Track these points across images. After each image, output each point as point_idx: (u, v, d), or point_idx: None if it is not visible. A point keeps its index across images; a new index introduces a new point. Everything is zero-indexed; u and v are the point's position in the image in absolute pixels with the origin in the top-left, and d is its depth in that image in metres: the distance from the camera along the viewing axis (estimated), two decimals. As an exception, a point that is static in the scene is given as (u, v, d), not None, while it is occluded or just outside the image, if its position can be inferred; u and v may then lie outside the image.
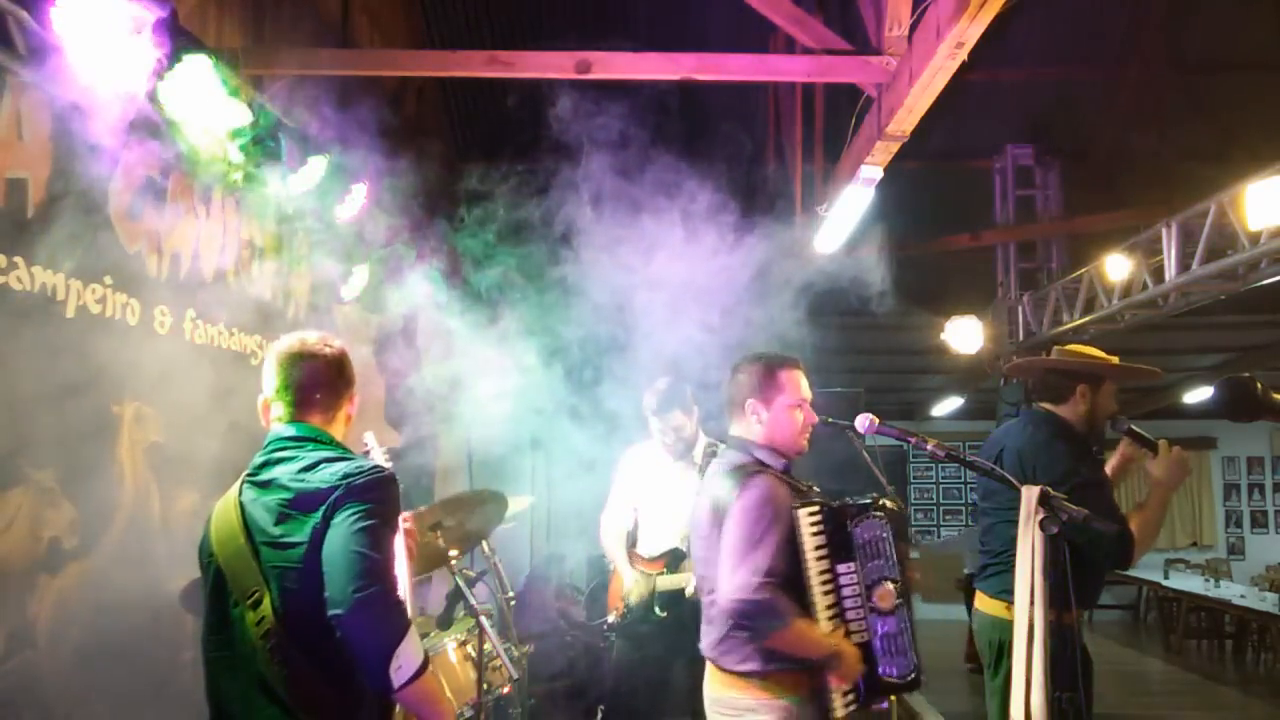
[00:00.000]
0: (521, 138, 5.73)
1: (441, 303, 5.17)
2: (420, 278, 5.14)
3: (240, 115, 3.48)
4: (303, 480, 2.00)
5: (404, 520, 2.42)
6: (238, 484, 2.10)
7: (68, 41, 2.79)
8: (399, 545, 2.36)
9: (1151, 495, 3.11)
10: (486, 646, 3.76)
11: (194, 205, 3.80)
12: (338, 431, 2.19)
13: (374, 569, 1.88)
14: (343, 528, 1.91)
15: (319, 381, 2.14)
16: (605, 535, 4.39)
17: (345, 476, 1.98)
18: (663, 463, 4.28)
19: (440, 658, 3.92)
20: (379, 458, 2.52)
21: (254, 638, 1.92)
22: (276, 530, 1.97)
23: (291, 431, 2.11)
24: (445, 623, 3.99)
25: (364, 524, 1.92)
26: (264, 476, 2.05)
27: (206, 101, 3.34)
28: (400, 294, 5.22)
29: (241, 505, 2.04)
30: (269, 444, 2.12)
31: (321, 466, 2.01)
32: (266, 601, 1.92)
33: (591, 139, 4.62)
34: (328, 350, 2.18)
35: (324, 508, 1.94)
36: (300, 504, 1.97)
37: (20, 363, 2.84)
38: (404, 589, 2.33)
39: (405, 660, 1.84)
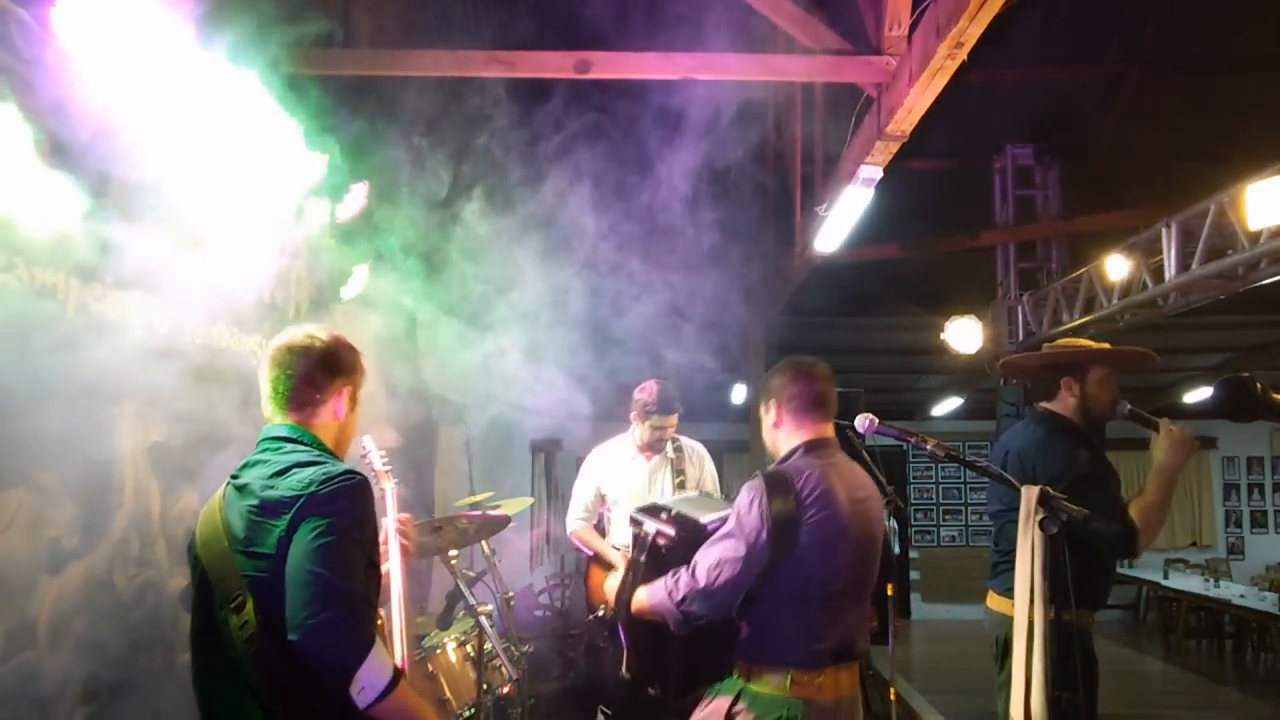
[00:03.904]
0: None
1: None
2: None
3: (240, 113, 3.48)
4: (270, 487, 1.95)
5: (399, 520, 2.41)
6: (224, 484, 2.08)
7: (68, 41, 2.79)
8: (393, 545, 2.35)
9: (1151, 478, 3.08)
10: (486, 646, 3.76)
11: (194, 204, 3.79)
12: (326, 427, 2.13)
13: (328, 592, 1.82)
14: (302, 544, 1.86)
15: (297, 376, 2.09)
16: (579, 531, 4.56)
17: (309, 485, 1.92)
18: (633, 457, 4.50)
19: (440, 658, 3.91)
20: (377, 462, 2.51)
21: (238, 642, 1.89)
22: (247, 538, 1.94)
23: (275, 431, 2.09)
24: (445, 623, 3.98)
25: (323, 540, 1.85)
26: (242, 479, 2.02)
27: (206, 100, 3.34)
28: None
29: (223, 507, 2.01)
30: (257, 444, 2.10)
31: (291, 472, 1.97)
32: (249, 606, 1.89)
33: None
34: (310, 343, 2.12)
35: (288, 518, 1.89)
36: (266, 512, 1.93)
37: (20, 363, 2.84)
38: (396, 590, 2.32)
39: (367, 682, 1.80)
